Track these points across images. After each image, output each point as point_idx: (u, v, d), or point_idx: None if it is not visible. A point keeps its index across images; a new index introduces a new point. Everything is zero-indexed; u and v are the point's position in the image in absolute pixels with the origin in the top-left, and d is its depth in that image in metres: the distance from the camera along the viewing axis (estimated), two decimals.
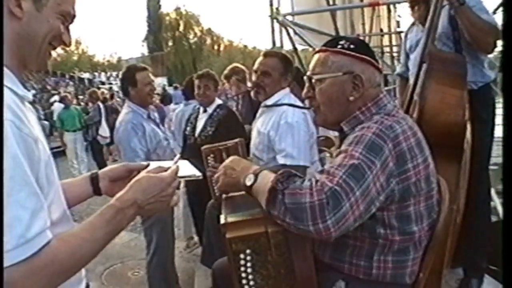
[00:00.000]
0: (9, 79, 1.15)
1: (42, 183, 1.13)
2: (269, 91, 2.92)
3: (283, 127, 2.75)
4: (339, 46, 1.68)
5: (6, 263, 0.99)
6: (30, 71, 1.29)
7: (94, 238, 1.16)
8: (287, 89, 2.95)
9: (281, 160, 2.73)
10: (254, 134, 3.03)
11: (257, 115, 3.10)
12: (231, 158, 1.70)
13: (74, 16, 1.27)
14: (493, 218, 3.59)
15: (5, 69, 1.15)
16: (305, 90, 1.78)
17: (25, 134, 1.08)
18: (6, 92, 1.10)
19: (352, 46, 1.67)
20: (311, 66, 1.76)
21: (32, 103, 1.25)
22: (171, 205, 1.35)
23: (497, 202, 4.18)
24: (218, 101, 4.17)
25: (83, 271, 1.34)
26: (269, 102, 2.92)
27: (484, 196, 3.01)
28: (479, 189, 2.89)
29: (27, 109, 1.18)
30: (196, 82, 4.10)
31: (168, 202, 1.32)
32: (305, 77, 1.77)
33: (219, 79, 4.58)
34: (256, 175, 1.52)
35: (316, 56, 1.75)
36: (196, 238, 4.99)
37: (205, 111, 4.10)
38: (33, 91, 21.87)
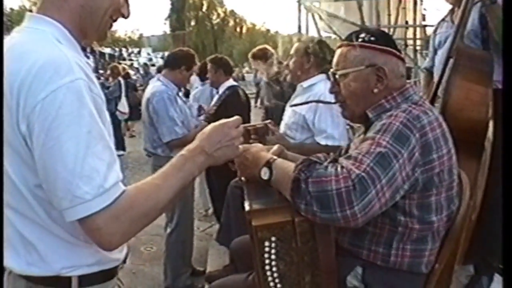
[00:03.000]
0: (73, 46, 1.22)
1: None
2: (293, 72, 3.07)
3: (322, 108, 2.78)
4: (359, 40, 1.69)
5: (88, 211, 1.07)
6: (90, 41, 1.35)
7: (167, 185, 1.21)
8: (323, 76, 2.97)
9: (322, 141, 2.77)
10: (288, 113, 3.07)
11: (293, 95, 3.17)
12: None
13: None
14: None
15: (70, 36, 1.22)
16: (330, 86, 1.80)
17: (95, 95, 1.15)
18: (77, 56, 1.18)
19: (372, 39, 1.68)
20: (334, 61, 1.77)
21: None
22: (241, 150, 1.40)
23: None
24: (230, 83, 4.46)
25: None
26: (305, 84, 2.98)
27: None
28: (498, 189, 2.88)
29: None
30: None
31: (236, 146, 1.35)
32: (329, 73, 1.80)
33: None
34: (270, 168, 1.54)
35: (338, 51, 1.76)
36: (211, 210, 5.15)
37: (217, 92, 4.45)
38: None
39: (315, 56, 2.96)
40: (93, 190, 1.06)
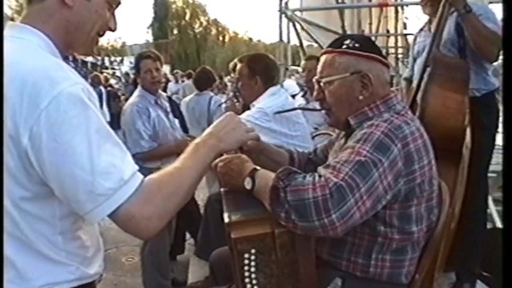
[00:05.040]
0: (56, 58, 1.21)
1: None
2: (245, 95, 3.08)
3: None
4: (344, 46, 1.68)
5: (114, 205, 1.09)
6: (76, 54, 1.39)
7: (186, 166, 1.25)
8: (270, 89, 2.98)
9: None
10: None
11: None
12: (224, 159, 1.66)
13: (119, 3, 1.34)
14: (489, 225, 3.61)
15: (54, 48, 1.22)
16: (315, 93, 1.78)
17: (94, 98, 1.16)
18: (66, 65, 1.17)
19: (357, 45, 1.67)
20: (318, 68, 1.75)
21: None
22: (251, 134, 1.48)
23: (493, 209, 4.20)
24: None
25: (101, 242, 1.41)
26: (256, 103, 2.98)
27: (481, 202, 3.03)
28: (477, 195, 2.90)
29: None
30: None
31: (243, 129, 1.44)
32: (314, 80, 1.78)
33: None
34: (252, 177, 1.53)
35: (323, 58, 1.75)
36: None
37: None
38: None
39: (261, 76, 2.95)
40: (114, 184, 1.08)
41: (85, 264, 1.28)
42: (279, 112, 2.80)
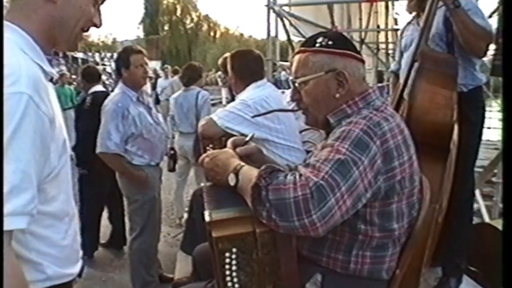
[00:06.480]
0: (37, 55, 1.20)
1: (54, 164, 1.17)
2: (233, 87, 3.20)
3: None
4: (317, 45, 1.64)
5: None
6: (59, 50, 1.36)
7: None
8: (252, 85, 3.01)
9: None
10: None
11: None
12: (211, 154, 1.66)
13: None
14: (476, 220, 3.63)
15: (34, 45, 1.19)
16: (291, 94, 1.76)
17: (42, 112, 1.10)
18: (34, 66, 1.14)
19: (330, 43, 1.63)
20: (293, 69, 1.72)
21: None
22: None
23: (481, 204, 4.23)
24: (93, 90, 4.92)
25: (80, 251, 1.39)
26: (240, 96, 3.04)
27: (467, 197, 3.04)
28: (463, 190, 2.91)
29: (50, 87, 1.21)
30: None
31: None
32: (289, 81, 1.77)
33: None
34: (237, 174, 1.51)
35: (296, 57, 1.71)
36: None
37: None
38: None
39: (235, 71, 3.04)
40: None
41: (59, 263, 1.26)
42: (256, 116, 2.80)
